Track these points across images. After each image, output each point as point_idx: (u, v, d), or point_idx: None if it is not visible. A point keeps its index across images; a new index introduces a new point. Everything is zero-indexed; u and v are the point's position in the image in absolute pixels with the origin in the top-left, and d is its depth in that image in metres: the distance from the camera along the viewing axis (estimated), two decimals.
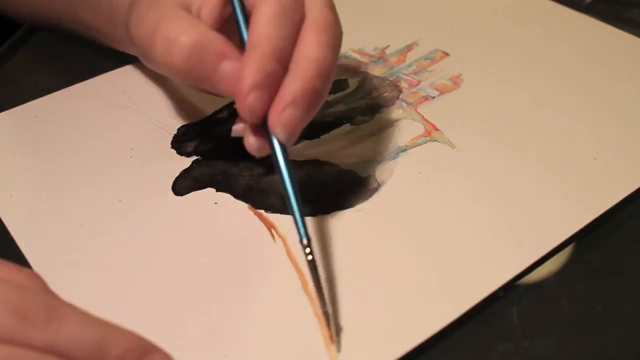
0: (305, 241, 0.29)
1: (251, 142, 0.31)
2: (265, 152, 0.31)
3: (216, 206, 0.36)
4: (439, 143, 0.39)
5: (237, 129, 0.31)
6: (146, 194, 0.36)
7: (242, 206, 0.36)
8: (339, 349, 0.28)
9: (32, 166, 0.38)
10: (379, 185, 0.37)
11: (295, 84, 0.29)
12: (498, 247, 0.33)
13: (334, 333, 0.28)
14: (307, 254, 0.29)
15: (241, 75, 0.29)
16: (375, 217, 0.35)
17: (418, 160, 0.38)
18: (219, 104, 0.43)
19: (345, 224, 0.34)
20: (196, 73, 0.30)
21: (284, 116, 0.29)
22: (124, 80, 0.45)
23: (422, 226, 0.34)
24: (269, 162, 0.37)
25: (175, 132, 0.41)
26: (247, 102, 0.29)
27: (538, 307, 0.31)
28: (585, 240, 0.34)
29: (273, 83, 0.29)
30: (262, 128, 0.30)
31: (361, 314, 0.30)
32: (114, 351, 0.23)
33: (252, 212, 0.35)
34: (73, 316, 0.23)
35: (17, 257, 0.33)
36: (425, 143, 0.39)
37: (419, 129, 0.41)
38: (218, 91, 0.31)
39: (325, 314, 0.29)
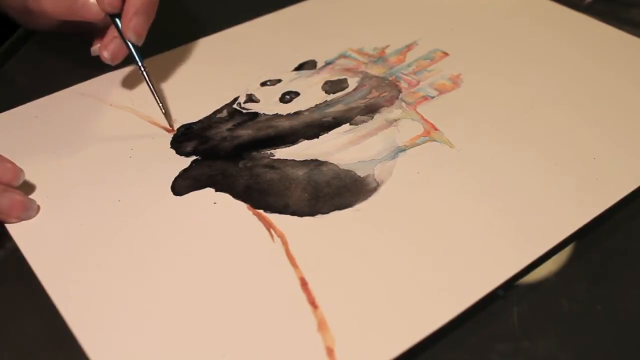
0: (141, 64, 0.41)
1: (105, 56, 0.41)
2: (117, 60, 0.42)
3: (215, 206, 0.36)
4: (438, 143, 0.39)
5: (94, 49, 0.42)
6: (145, 194, 0.36)
7: (241, 206, 0.36)
8: (170, 124, 0.41)
9: (32, 166, 0.38)
10: (378, 185, 0.37)
11: None
12: (497, 246, 0.33)
13: (169, 118, 0.41)
14: (142, 70, 0.41)
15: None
16: (375, 217, 0.35)
17: (417, 160, 0.38)
18: (218, 104, 0.43)
19: (344, 224, 0.34)
20: (63, 6, 0.40)
21: (132, 24, 0.40)
22: (124, 80, 0.45)
23: (421, 226, 0.34)
24: (269, 163, 0.37)
25: (174, 131, 0.41)
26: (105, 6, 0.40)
27: (538, 307, 0.31)
28: (585, 240, 0.34)
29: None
30: (112, 42, 0.41)
31: (360, 313, 0.30)
32: None
33: (251, 212, 0.35)
34: None
35: (17, 257, 0.33)
36: (425, 143, 0.39)
37: (418, 128, 0.40)
38: (79, 17, 0.40)
39: (162, 108, 0.41)
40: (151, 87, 0.41)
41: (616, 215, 0.35)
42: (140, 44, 0.41)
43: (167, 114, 0.41)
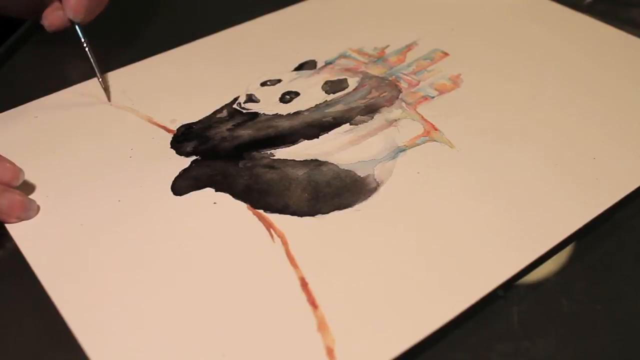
0: (83, 40, 0.44)
1: (45, 24, 0.45)
2: (54, 29, 0.45)
3: (215, 206, 0.36)
4: (438, 143, 0.39)
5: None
6: (145, 194, 0.36)
7: (241, 206, 0.36)
8: (107, 93, 0.44)
9: (32, 166, 0.38)
10: (378, 185, 0.37)
11: None
12: (497, 247, 0.33)
13: (108, 93, 0.44)
14: (85, 45, 0.44)
15: None
16: (374, 217, 0.35)
17: (417, 160, 0.38)
18: (218, 104, 0.43)
19: (344, 224, 0.34)
20: None
21: (71, 2, 0.44)
22: (124, 80, 0.45)
23: (421, 226, 0.34)
24: (269, 163, 0.37)
25: (174, 131, 0.41)
26: None
27: (538, 307, 0.31)
28: (585, 240, 0.34)
29: None
30: (54, 13, 0.45)
31: (360, 313, 0.30)
32: None
33: (251, 212, 0.35)
34: None
35: (16, 257, 0.33)
36: (425, 143, 0.39)
37: (418, 128, 0.41)
38: None
39: (101, 83, 0.44)
40: (93, 62, 0.44)
41: (616, 215, 0.35)
42: (79, 20, 0.44)
43: (106, 90, 0.44)
